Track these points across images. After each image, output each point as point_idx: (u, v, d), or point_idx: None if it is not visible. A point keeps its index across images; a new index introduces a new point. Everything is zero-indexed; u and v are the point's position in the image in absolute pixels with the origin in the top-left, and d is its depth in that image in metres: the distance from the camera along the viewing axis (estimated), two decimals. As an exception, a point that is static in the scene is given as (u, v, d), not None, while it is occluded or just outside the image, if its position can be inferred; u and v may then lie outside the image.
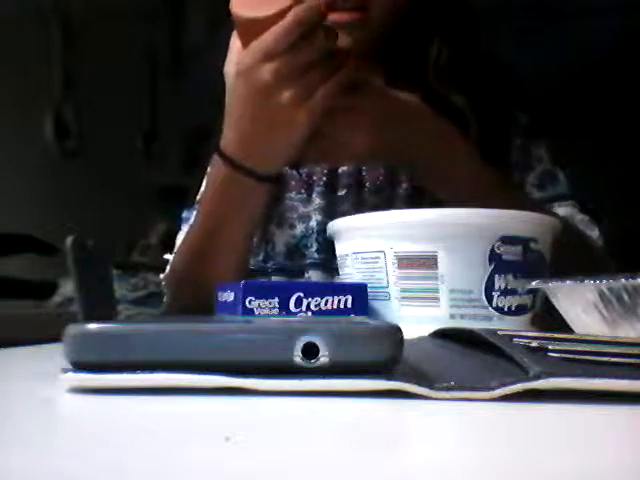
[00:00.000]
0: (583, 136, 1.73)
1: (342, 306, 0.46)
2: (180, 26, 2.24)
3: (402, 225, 0.47)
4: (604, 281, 0.36)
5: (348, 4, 0.64)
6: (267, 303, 0.44)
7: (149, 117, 2.37)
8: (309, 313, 0.44)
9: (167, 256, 0.71)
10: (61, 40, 2.10)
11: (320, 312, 0.45)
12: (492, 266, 0.46)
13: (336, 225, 0.52)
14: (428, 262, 0.46)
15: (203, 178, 0.69)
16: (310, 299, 0.45)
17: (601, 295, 0.36)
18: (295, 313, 0.44)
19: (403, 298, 0.47)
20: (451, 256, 0.46)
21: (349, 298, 0.46)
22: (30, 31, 1.96)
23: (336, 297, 0.46)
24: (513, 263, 0.46)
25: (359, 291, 0.47)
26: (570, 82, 1.80)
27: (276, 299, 0.44)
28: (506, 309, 0.46)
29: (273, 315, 0.43)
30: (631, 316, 0.35)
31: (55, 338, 0.28)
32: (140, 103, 2.28)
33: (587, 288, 0.37)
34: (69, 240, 0.33)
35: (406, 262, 0.47)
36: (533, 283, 0.42)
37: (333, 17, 0.62)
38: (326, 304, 0.45)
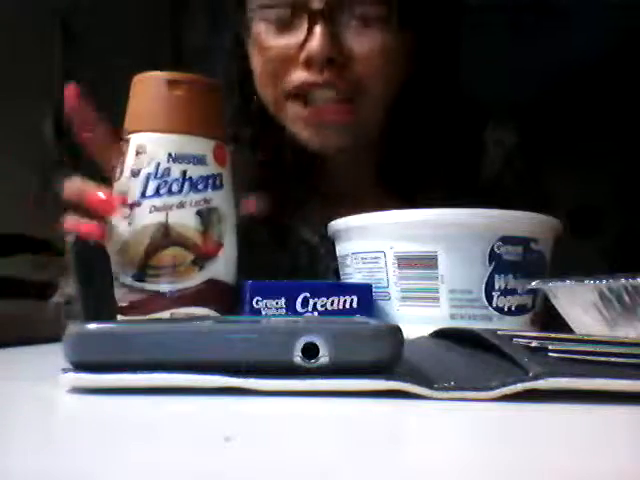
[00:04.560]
0: (583, 137, 1.73)
1: (348, 306, 0.46)
2: (181, 26, 2.24)
3: (402, 225, 0.47)
4: (604, 281, 0.36)
5: (329, 92, 0.59)
6: (274, 303, 0.44)
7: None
8: (315, 313, 0.45)
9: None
10: (61, 40, 2.10)
11: (326, 312, 0.45)
12: (492, 266, 0.46)
13: (336, 225, 0.52)
14: (428, 262, 0.46)
15: None
16: (316, 299, 0.45)
17: (601, 295, 0.36)
18: (302, 313, 0.44)
19: (403, 298, 0.47)
20: (451, 256, 0.46)
21: (355, 298, 0.46)
22: (30, 31, 1.96)
23: (342, 297, 0.46)
24: (513, 263, 0.46)
25: (365, 291, 0.47)
26: (568, 82, 1.80)
27: (283, 299, 0.44)
28: (506, 309, 0.46)
29: (279, 315, 0.44)
30: (631, 316, 0.35)
31: (55, 338, 0.28)
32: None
33: (587, 288, 0.37)
34: (69, 240, 0.33)
35: (406, 262, 0.47)
36: (533, 283, 0.42)
37: (313, 115, 0.60)
38: (332, 304, 0.46)
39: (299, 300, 0.45)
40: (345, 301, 0.46)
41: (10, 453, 0.18)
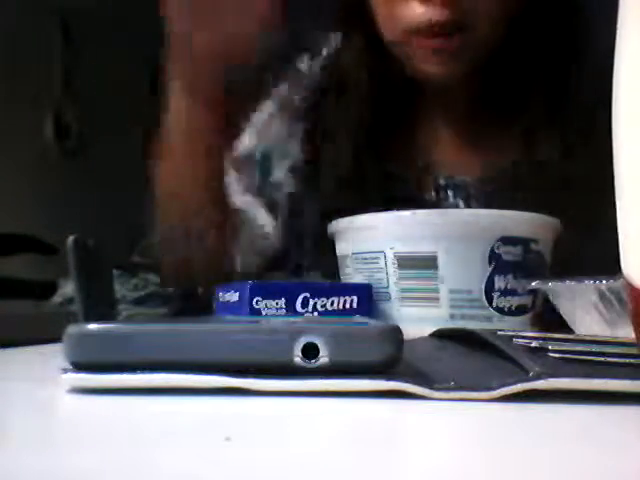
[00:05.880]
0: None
1: (348, 306, 0.46)
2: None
3: (402, 225, 0.47)
4: (604, 281, 0.36)
5: (438, 28, 0.60)
6: (274, 304, 0.44)
7: (149, 116, 2.36)
8: (315, 313, 0.45)
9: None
10: (61, 40, 2.10)
11: (326, 312, 0.45)
12: (492, 266, 0.46)
13: (336, 225, 0.52)
14: (428, 262, 0.46)
15: None
16: (316, 299, 0.45)
17: (601, 295, 0.36)
18: (301, 313, 0.44)
19: (403, 298, 0.47)
20: (451, 256, 0.46)
21: (355, 298, 0.46)
22: (30, 31, 1.96)
23: (342, 297, 0.46)
24: (513, 263, 0.46)
25: (365, 291, 0.47)
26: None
27: (282, 299, 0.44)
28: (506, 309, 0.46)
29: (279, 315, 0.44)
30: (631, 316, 0.35)
31: (55, 338, 0.28)
32: (140, 102, 2.28)
33: (587, 288, 0.37)
34: (69, 240, 0.33)
35: (406, 262, 0.47)
36: (533, 283, 0.42)
37: (421, 43, 0.62)
38: (332, 304, 0.46)
39: (299, 300, 0.45)
40: (345, 301, 0.46)
41: (10, 453, 0.18)
